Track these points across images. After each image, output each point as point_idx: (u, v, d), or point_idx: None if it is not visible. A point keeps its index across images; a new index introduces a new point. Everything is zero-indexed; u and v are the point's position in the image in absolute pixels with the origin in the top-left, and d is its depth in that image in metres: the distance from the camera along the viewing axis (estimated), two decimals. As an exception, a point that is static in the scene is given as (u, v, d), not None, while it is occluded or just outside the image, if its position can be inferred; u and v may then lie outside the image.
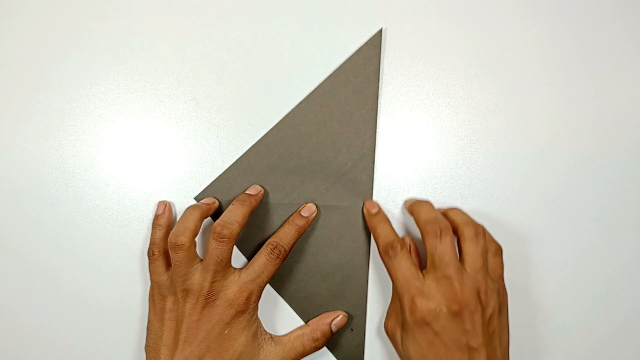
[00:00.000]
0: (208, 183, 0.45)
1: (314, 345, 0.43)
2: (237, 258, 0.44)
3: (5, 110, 0.45)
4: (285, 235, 0.42)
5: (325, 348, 0.44)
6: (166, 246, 0.43)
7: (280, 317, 0.45)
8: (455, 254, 0.39)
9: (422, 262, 0.43)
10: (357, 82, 0.44)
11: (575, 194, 0.45)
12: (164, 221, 0.44)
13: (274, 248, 0.41)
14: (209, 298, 0.40)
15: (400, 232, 0.45)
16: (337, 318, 0.44)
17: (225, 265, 0.40)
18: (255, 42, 0.45)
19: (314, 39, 0.45)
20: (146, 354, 0.41)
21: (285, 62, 0.45)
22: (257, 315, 0.42)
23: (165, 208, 0.44)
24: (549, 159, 0.45)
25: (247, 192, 0.43)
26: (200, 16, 0.45)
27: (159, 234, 0.43)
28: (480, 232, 0.40)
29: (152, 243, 0.43)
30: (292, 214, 0.44)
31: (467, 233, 0.40)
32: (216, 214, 0.44)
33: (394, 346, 0.42)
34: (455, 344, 0.38)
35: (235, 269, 0.41)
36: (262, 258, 0.41)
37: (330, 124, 0.44)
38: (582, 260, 0.45)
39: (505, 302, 0.41)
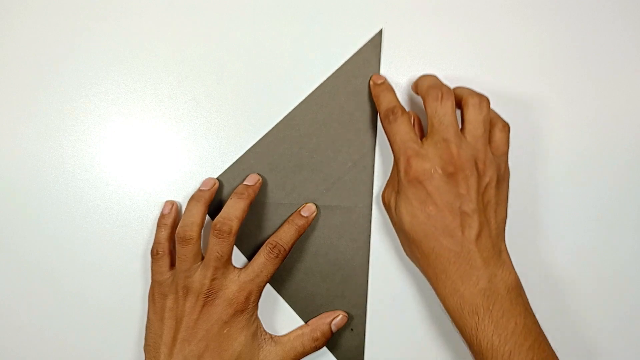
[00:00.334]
0: (208, 183, 0.45)
1: (313, 345, 0.42)
2: (237, 258, 0.44)
3: (5, 110, 0.45)
4: (284, 235, 0.42)
5: (325, 348, 0.44)
6: (170, 246, 0.43)
7: (280, 317, 0.45)
8: (456, 119, 0.38)
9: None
10: (357, 82, 0.44)
11: (575, 194, 0.45)
12: (170, 221, 0.43)
13: (273, 247, 0.41)
14: (209, 297, 0.39)
15: None
16: (337, 318, 0.44)
17: (226, 262, 0.40)
18: (255, 42, 0.45)
19: (314, 39, 0.45)
20: (145, 353, 0.41)
21: (285, 62, 0.45)
22: (256, 315, 0.42)
23: (172, 208, 0.44)
24: (549, 159, 0.45)
25: (245, 182, 0.43)
26: (200, 16, 0.45)
27: (164, 233, 0.43)
28: (485, 101, 0.39)
29: (156, 242, 0.43)
30: (292, 213, 0.44)
31: (470, 101, 0.39)
32: (216, 210, 0.44)
33: (389, 215, 0.41)
34: (447, 206, 0.37)
35: (235, 268, 0.41)
36: (262, 258, 0.41)
37: (330, 124, 0.44)
38: (582, 260, 0.45)
39: (506, 178, 0.40)
